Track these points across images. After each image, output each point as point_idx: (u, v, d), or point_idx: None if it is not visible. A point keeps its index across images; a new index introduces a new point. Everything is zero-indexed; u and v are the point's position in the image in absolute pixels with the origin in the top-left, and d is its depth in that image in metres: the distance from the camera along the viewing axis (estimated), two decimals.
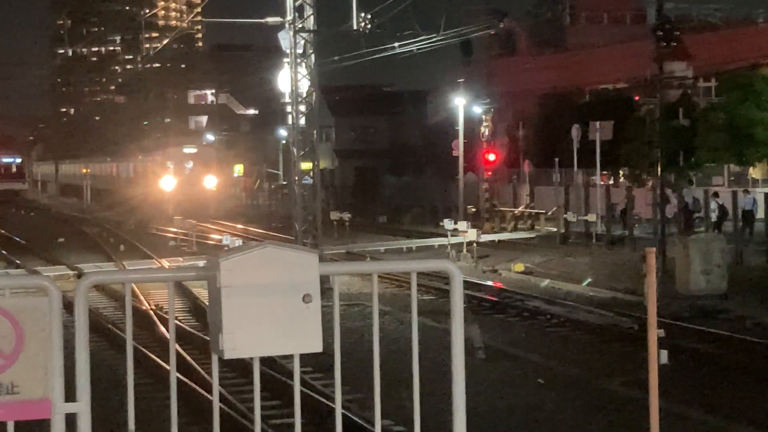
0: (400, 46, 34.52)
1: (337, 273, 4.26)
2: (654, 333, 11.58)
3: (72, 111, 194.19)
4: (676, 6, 63.30)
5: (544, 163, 50.35)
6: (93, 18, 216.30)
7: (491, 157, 49.04)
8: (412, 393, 4.06)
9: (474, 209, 46.10)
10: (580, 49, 64.01)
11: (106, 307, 23.31)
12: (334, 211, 41.98)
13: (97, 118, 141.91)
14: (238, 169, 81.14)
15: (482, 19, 54.27)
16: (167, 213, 49.53)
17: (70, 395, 3.75)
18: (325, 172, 57.54)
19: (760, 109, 45.66)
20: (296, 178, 26.90)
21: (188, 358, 15.72)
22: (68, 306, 3.84)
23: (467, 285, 24.57)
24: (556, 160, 48.04)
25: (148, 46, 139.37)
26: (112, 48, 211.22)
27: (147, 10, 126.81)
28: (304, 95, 27.19)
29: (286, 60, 27.42)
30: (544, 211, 42.30)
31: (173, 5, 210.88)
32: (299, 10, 26.46)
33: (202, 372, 14.48)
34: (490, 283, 27.56)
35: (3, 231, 45.67)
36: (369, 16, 27.50)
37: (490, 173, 49.34)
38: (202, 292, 21.92)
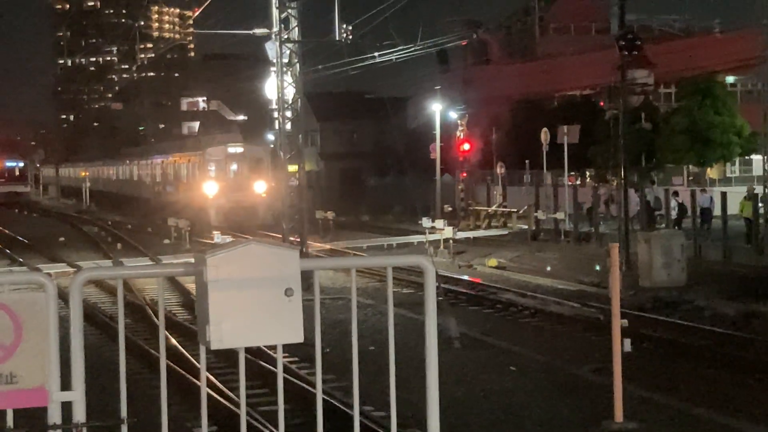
0: (380, 55, 34.58)
1: (317, 268, 4.28)
2: (618, 323, 11.68)
3: (72, 117, 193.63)
4: (638, 17, 63.67)
5: (516, 165, 50.48)
6: (91, 30, 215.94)
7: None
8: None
9: (450, 208, 46.15)
10: (549, 58, 64.18)
11: (104, 302, 23.23)
12: (319, 210, 41.84)
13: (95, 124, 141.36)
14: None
15: (458, 30, 54.39)
16: (207, 221, 43.10)
17: (67, 385, 3.76)
18: (311, 174, 57.15)
19: (717, 113, 45.93)
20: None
21: (180, 347, 15.67)
22: (67, 301, 3.85)
23: (445, 279, 24.63)
24: (527, 162, 48.17)
25: (143, 56, 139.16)
26: (109, 58, 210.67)
27: (142, 22, 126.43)
28: (290, 102, 27.19)
29: (272, 69, 27.41)
30: (516, 210, 42.37)
31: (166, 17, 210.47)
32: (285, 22, 26.49)
33: (192, 360, 14.43)
34: (466, 277, 27.61)
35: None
36: (351, 28, 27.56)
37: (465, 174, 49.38)
38: (194, 287, 21.79)
